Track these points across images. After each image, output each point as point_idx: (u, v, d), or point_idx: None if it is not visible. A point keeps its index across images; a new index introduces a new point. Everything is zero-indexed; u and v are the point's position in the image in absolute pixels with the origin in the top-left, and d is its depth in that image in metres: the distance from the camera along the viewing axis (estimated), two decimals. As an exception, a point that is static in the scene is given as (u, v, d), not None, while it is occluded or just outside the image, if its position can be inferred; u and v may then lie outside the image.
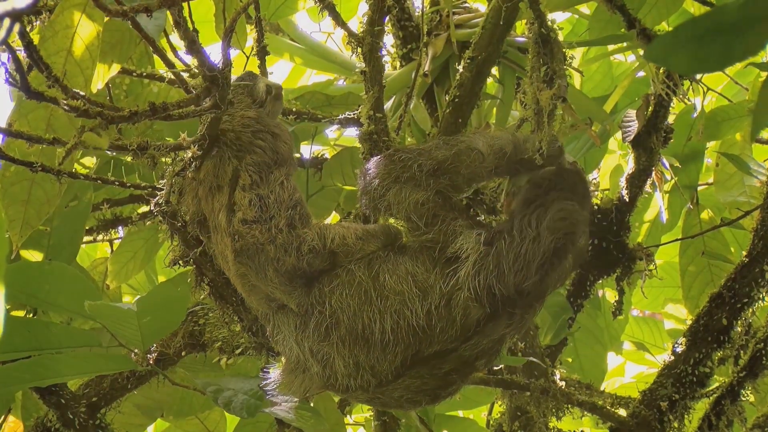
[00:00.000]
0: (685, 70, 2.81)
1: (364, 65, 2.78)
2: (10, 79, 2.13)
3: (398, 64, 3.76)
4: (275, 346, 2.61)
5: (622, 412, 3.43)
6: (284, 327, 2.47)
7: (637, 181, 3.48)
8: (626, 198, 3.46)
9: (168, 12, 2.14)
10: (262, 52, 2.96)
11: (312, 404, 3.07)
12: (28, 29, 2.83)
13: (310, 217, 2.56)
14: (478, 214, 3.25)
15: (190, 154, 2.46)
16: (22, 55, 2.28)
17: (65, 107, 2.10)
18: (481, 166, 2.54)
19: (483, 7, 3.62)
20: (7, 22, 1.29)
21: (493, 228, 2.44)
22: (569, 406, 3.38)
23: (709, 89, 3.94)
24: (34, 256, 3.39)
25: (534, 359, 3.40)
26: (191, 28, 2.13)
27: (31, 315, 3.38)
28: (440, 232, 2.40)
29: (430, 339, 2.34)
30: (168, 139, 3.41)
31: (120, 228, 3.86)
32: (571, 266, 2.45)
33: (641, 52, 3.33)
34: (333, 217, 3.66)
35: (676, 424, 3.26)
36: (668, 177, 3.80)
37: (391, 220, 2.56)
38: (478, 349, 2.37)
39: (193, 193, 2.58)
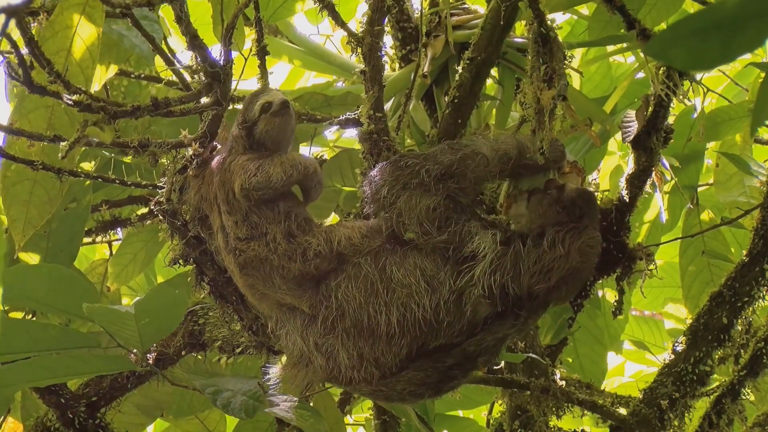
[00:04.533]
0: (685, 66, 2.79)
1: (363, 65, 2.78)
2: (13, 74, 2.14)
3: (397, 65, 3.77)
4: (277, 341, 2.61)
5: (623, 411, 3.43)
6: (289, 323, 2.47)
7: (637, 182, 3.46)
8: (626, 198, 3.45)
9: (170, 7, 2.14)
10: (261, 52, 2.95)
11: (312, 403, 3.07)
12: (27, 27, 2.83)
13: (311, 222, 2.55)
14: (480, 215, 3.25)
15: (191, 152, 2.46)
16: (24, 52, 2.28)
17: (68, 102, 2.10)
18: (485, 170, 2.57)
19: (482, 9, 3.63)
20: (2, 18, 1.30)
21: (509, 229, 2.48)
22: (569, 405, 3.38)
23: (709, 90, 3.95)
24: (32, 258, 3.39)
25: (534, 355, 3.39)
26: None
27: (29, 316, 3.38)
28: (454, 234, 2.42)
29: (436, 332, 2.36)
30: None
31: (119, 229, 3.85)
32: (576, 289, 2.56)
33: (641, 52, 3.33)
34: (332, 218, 3.66)
35: (676, 423, 3.25)
36: (668, 177, 3.80)
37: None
38: (482, 345, 2.40)
39: (196, 188, 2.58)
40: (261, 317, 2.70)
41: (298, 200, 2.61)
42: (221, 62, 2.17)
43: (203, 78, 2.22)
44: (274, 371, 2.56)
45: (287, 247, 2.43)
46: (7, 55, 2.74)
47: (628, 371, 5.45)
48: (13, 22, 1.29)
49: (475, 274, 2.37)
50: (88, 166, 3.67)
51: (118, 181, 2.86)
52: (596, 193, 4.16)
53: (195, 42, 2.08)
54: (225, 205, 2.47)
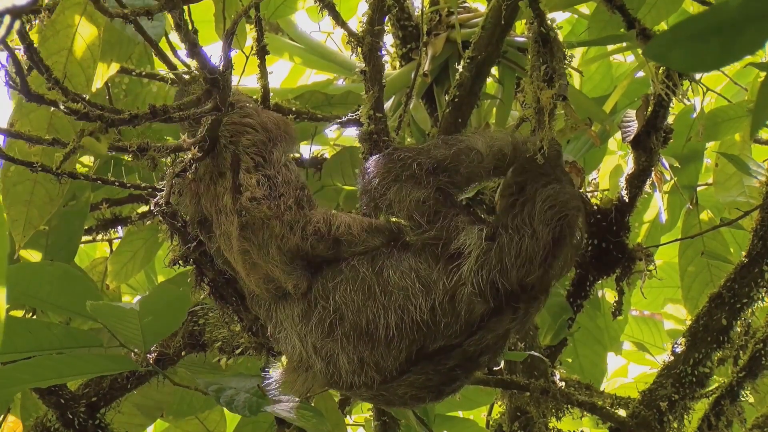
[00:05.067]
0: (685, 68, 2.81)
1: (364, 65, 2.77)
2: (10, 82, 2.13)
3: (398, 63, 3.77)
4: (276, 345, 2.61)
5: (622, 413, 3.43)
6: (286, 322, 2.47)
7: (636, 182, 3.48)
8: (626, 198, 3.46)
9: (168, 15, 2.13)
10: (261, 52, 2.95)
11: (312, 404, 3.07)
12: (27, 28, 2.83)
13: (315, 203, 2.56)
14: (478, 213, 3.25)
15: (190, 155, 2.45)
16: (21, 54, 2.27)
17: (65, 110, 2.09)
18: (479, 166, 2.54)
19: (483, 7, 3.63)
20: (7, 19, 1.28)
21: (495, 223, 2.43)
22: (569, 406, 3.37)
23: (708, 89, 3.95)
24: (32, 255, 3.39)
25: (536, 353, 3.39)
26: (191, 30, 2.13)
27: (30, 315, 3.38)
28: (442, 229, 2.39)
29: (434, 334, 2.34)
30: (167, 138, 3.41)
31: (119, 228, 3.86)
32: (575, 248, 2.43)
33: (641, 52, 3.33)
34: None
35: (675, 425, 3.26)
36: (668, 177, 3.80)
37: (393, 219, 2.56)
38: (483, 344, 2.37)
39: (191, 193, 2.57)
40: (261, 318, 2.70)
41: None
42: (221, 68, 2.16)
43: (203, 84, 2.21)
44: (274, 375, 2.55)
45: (294, 215, 2.43)
46: (8, 56, 2.73)
47: (632, 373, 5.45)
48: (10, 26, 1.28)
49: (463, 272, 2.32)
50: (88, 161, 3.67)
51: (117, 183, 2.86)
52: (596, 193, 4.17)
53: (194, 50, 2.07)
54: (257, 157, 2.49)
